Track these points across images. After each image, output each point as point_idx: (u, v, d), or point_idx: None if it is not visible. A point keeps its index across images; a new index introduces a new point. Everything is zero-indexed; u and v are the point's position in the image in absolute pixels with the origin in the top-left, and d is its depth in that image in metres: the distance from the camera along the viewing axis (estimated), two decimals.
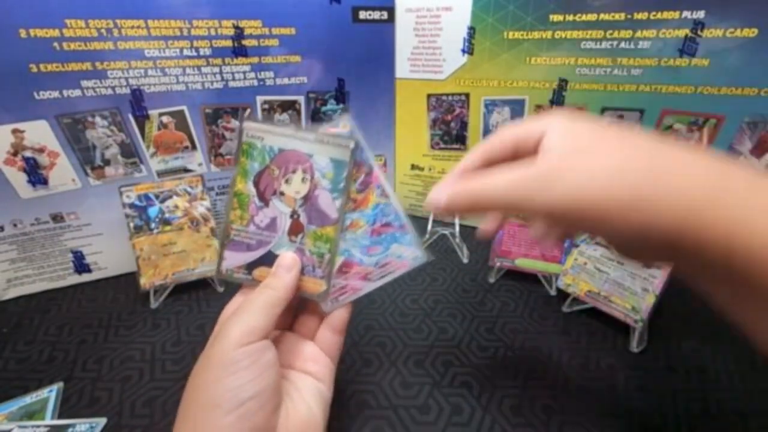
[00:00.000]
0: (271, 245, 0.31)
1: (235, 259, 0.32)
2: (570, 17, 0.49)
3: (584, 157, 0.21)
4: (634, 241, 0.22)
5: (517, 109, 0.57)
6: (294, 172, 0.31)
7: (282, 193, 0.31)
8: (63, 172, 0.50)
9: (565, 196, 0.21)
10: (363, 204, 0.32)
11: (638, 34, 0.47)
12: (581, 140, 0.22)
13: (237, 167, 0.31)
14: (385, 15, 0.57)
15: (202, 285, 0.54)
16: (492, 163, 0.26)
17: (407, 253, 0.32)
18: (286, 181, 0.31)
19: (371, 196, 0.32)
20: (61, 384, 0.41)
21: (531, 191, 0.22)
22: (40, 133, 0.47)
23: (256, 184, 0.31)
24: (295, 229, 0.31)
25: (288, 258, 0.31)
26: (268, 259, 0.31)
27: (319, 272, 0.31)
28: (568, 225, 0.25)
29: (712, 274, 0.21)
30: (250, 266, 0.32)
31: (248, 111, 0.32)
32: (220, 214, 0.60)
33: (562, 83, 0.53)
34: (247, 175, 0.31)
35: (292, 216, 0.31)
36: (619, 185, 0.20)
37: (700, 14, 0.44)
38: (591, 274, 0.48)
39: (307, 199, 0.31)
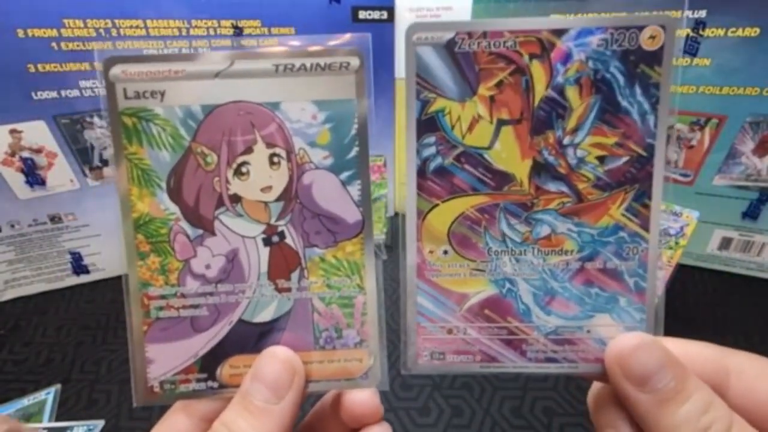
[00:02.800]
0: (240, 308, 0.17)
1: (172, 356, 0.17)
2: (571, 16, 0.49)
3: None
4: None
5: None
6: (249, 149, 0.16)
7: (237, 199, 0.17)
8: (61, 173, 0.50)
9: None
10: (592, 213, 0.16)
11: None
12: None
13: (121, 168, 0.16)
14: (385, 15, 0.57)
15: None
16: None
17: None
18: (238, 172, 0.16)
19: (616, 203, 0.16)
20: (58, 386, 0.41)
21: None
22: (38, 133, 0.47)
23: (176, 192, 0.16)
24: (282, 263, 0.17)
25: (273, 361, 0.16)
26: (243, 339, 0.17)
27: (352, 335, 0.17)
28: None
29: None
30: (209, 360, 0.17)
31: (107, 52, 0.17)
32: None
33: None
34: (151, 180, 0.16)
35: (268, 240, 0.17)
36: None
37: (702, 14, 0.44)
38: None
39: (291, 197, 0.17)
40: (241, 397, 0.15)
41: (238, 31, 0.51)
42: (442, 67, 0.16)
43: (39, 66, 0.44)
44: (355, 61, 0.17)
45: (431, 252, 0.16)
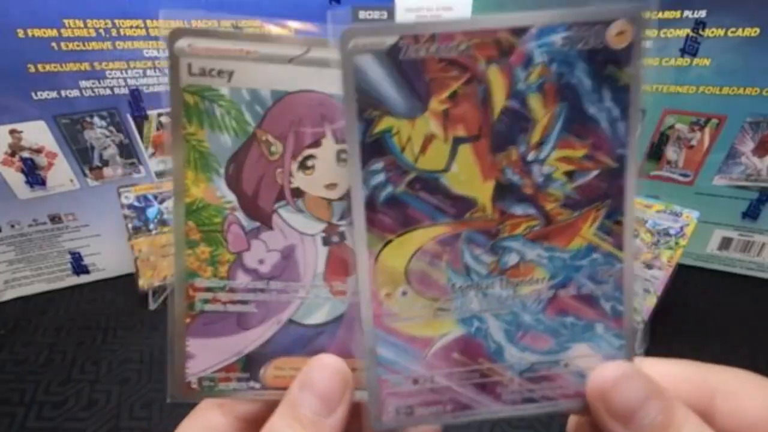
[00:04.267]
0: (291, 308, 0.16)
1: (214, 352, 0.16)
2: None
3: None
4: None
5: None
6: (317, 142, 0.15)
7: (299, 193, 0.16)
8: (61, 173, 0.50)
9: None
10: (562, 235, 0.14)
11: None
12: None
13: (178, 149, 0.15)
14: (385, 15, 0.57)
15: None
16: None
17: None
18: (303, 166, 0.15)
19: (587, 223, 0.14)
20: None
21: None
22: (37, 133, 0.47)
23: (235, 180, 0.15)
24: (340, 265, 0.16)
25: (329, 369, 0.15)
26: (292, 341, 0.16)
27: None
28: None
29: None
30: (254, 361, 0.16)
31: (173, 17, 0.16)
32: None
33: None
34: (208, 164, 0.15)
35: (328, 239, 0.16)
36: None
37: (702, 14, 0.44)
38: None
39: None
40: (290, 406, 0.14)
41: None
42: (386, 78, 0.13)
43: (39, 66, 0.44)
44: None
45: (388, 295, 0.14)
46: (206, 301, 0.16)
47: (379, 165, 0.14)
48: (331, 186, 0.15)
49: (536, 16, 0.13)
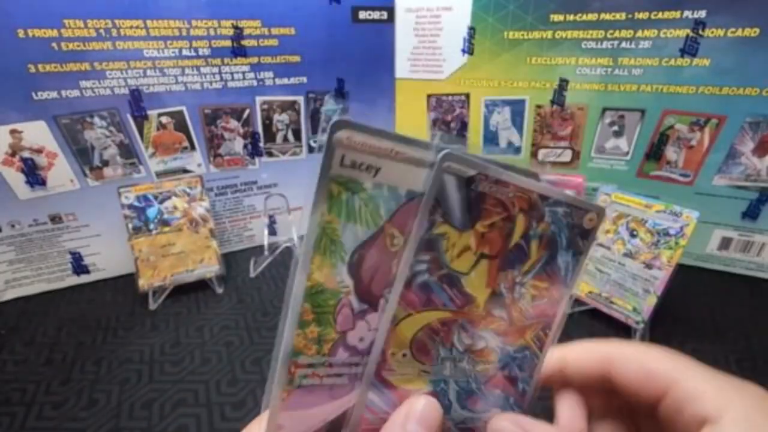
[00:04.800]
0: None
1: (303, 421, 0.17)
2: (570, 17, 0.49)
3: None
4: None
5: (517, 109, 0.57)
6: None
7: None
8: (61, 173, 0.50)
9: None
10: (514, 335, 0.20)
11: (639, 33, 0.47)
12: None
13: (311, 234, 0.15)
14: (384, 15, 0.57)
15: (201, 286, 0.54)
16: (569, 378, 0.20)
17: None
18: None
19: (530, 331, 0.20)
20: None
21: None
22: (38, 133, 0.47)
23: (356, 267, 0.16)
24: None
25: (428, 404, 0.18)
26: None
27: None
28: None
29: None
30: (336, 425, 0.17)
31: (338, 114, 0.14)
32: (219, 215, 0.59)
33: (563, 83, 0.53)
34: (335, 253, 0.16)
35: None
36: None
37: (702, 14, 0.44)
38: (592, 275, 0.47)
39: None
40: (399, 425, 0.17)
41: (239, 31, 0.51)
42: (458, 198, 0.17)
43: (39, 66, 0.44)
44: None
45: (393, 354, 0.18)
46: (305, 377, 0.16)
47: (426, 257, 0.17)
48: None
49: (556, 192, 0.18)
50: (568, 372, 0.20)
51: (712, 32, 0.44)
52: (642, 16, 0.46)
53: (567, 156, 0.57)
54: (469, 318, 0.19)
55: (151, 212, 0.51)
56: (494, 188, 0.17)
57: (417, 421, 0.17)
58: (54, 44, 0.44)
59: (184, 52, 0.50)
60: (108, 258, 0.56)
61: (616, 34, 0.48)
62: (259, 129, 0.57)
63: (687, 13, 0.44)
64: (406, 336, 0.18)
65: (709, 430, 0.16)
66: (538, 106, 0.55)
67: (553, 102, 0.54)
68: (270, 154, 0.59)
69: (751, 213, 0.51)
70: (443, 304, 0.18)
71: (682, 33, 0.45)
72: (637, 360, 0.19)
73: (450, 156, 0.16)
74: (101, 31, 0.45)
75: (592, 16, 0.48)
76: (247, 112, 0.56)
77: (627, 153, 0.54)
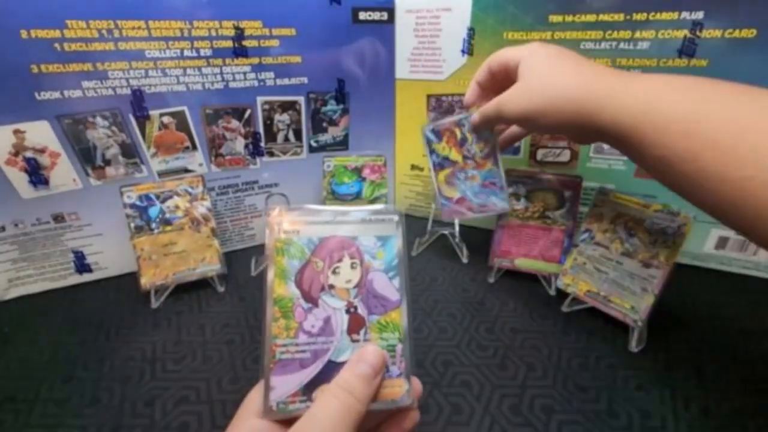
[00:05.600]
0: (329, 353, 0.26)
1: (287, 385, 0.25)
2: (569, 18, 0.49)
3: (551, 77, 0.35)
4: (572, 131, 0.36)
5: None
6: (340, 260, 0.27)
7: (332, 287, 0.27)
8: (64, 173, 0.50)
9: (543, 101, 0.35)
10: (481, 167, 0.48)
11: (637, 34, 0.47)
12: (550, 64, 0.36)
13: (271, 269, 0.27)
14: (384, 16, 0.57)
15: (202, 285, 0.54)
16: (490, 81, 0.43)
17: (499, 205, 0.50)
18: (334, 272, 0.27)
19: (488, 163, 0.48)
20: None
21: (518, 99, 0.37)
22: (41, 133, 0.47)
23: (299, 283, 0.27)
24: (356, 324, 0.27)
25: (375, 353, 0.25)
26: (330, 373, 0.25)
27: (395, 370, 0.26)
28: (532, 125, 0.38)
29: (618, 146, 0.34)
30: (309, 388, 0.25)
31: (275, 208, 0.28)
32: (221, 214, 0.60)
33: None
34: (286, 276, 0.27)
35: (348, 310, 0.27)
36: (574, 97, 0.34)
37: (699, 15, 0.44)
38: (590, 274, 0.48)
39: (361, 286, 0.27)
40: (353, 370, 0.25)
41: (240, 32, 0.51)
42: None
43: (42, 66, 0.45)
44: (396, 216, 0.29)
45: None
46: (282, 353, 0.26)
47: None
48: (348, 281, 0.27)
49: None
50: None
51: (710, 33, 0.44)
52: (640, 17, 0.46)
53: (566, 156, 0.57)
54: (460, 168, 0.50)
55: (153, 211, 0.52)
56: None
57: (368, 364, 0.25)
58: (56, 45, 0.44)
59: (186, 53, 0.50)
60: (110, 257, 0.56)
61: (615, 34, 0.48)
62: (260, 129, 0.58)
63: (685, 14, 0.45)
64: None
65: (521, 64, 0.38)
66: None
67: None
68: (271, 154, 0.60)
69: None
70: (441, 167, 0.51)
71: (680, 34, 0.45)
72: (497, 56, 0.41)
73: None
74: (103, 31, 0.46)
75: (590, 17, 0.48)
76: (248, 112, 0.56)
77: None
